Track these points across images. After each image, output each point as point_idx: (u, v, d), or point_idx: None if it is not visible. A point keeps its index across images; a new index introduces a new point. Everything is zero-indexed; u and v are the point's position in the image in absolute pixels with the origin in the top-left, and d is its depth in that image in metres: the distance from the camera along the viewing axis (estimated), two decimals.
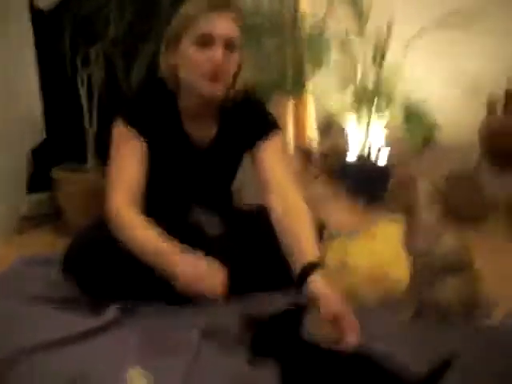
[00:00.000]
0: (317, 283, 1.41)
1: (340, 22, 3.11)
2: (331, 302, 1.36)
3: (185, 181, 1.83)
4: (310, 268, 1.44)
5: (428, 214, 1.79)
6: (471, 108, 3.11)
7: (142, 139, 1.70)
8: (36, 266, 2.06)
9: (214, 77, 1.63)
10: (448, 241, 1.79)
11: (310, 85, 3.13)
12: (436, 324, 1.76)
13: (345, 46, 3.10)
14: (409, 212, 1.80)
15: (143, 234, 1.58)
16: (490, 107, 3.02)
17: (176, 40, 1.67)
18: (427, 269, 1.79)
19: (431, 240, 1.78)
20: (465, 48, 3.22)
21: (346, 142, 3.43)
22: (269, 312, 1.24)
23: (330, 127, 3.55)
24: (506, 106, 2.98)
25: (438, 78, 3.13)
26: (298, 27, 3.04)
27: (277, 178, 1.72)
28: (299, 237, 1.57)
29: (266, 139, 1.78)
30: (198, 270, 1.45)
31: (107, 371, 1.37)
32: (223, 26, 1.62)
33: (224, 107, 1.78)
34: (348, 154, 3.37)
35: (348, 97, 3.24)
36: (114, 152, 1.73)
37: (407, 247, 1.83)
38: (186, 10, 1.66)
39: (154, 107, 1.74)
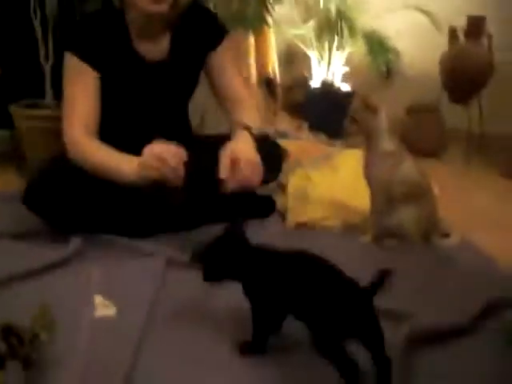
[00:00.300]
0: (242, 132, 1.70)
1: None
2: (237, 147, 1.63)
3: (142, 104, 1.84)
4: (243, 127, 1.72)
5: (388, 143, 1.80)
6: (434, 41, 3.11)
7: (92, 70, 1.73)
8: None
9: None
10: (406, 168, 1.82)
11: (272, 17, 3.07)
12: (395, 247, 1.82)
13: None
14: (369, 139, 1.81)
15: (101, 153, 1.66)
16: (452, 35, 3.02)
17: None
18: (386, 196, 1.83)
19: (390, 168, 1.81)
20: None
21: (309, 72, 3.43)
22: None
23: (292, 58, 3.53)
24: (466, 33, 2.98)
25: (401, 11, 3.10)
26: None
27: (229, 84, 1.90)
28: (242, 114, 1.83)
29: (218, 48, 1.89)
30: (158, 152, 1.53)
31: (71, 302, 1.39)
32: None
33: (173, 21, 1.80)
34: (312, 82, 3.37)
35: (310, 28, 3.20)
36: (66, 86, 1.77)
37: (367, 175, 1.85)
38: None
39: (101, 32, 1.75)
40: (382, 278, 1.10)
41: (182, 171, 1.53)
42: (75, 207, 1.72)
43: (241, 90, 1.93)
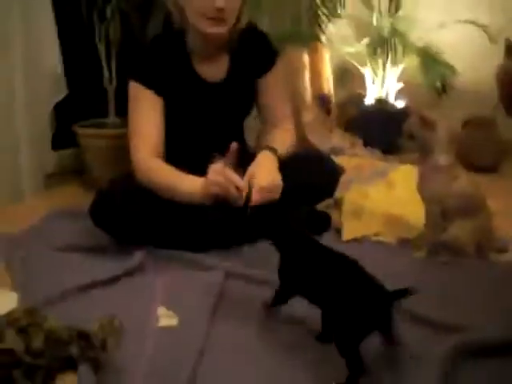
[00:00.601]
0: (262, 155, 1.80)
1: None
2: (258, 164, 1.75)
3: (202, 122, 1.94)
4: (269, 148, 1.83)
5: (444, 158, 1.82)
6: (488, 54, 3.09)
7: (157, 96, 1.84)
8: (65, 218, 2.17)
9: (217, 19, 1.75)
10: (461, 183, 1.83)
11: (326, 35, 3.12)
12: (449, 262, 1.82)
13: None
14: (425, 153, 1.83)
15: (166, 174, 1.77)
16: (508, 48, 3.00)
17: None
18: (441, 211, 1.84)
19: (446, 183, 1.82)
20: None
21: (363, 89, 3.46)
22: None
23: (346, 76, 3.57)
24: None
25: (454, 26, 3.11)
26: None
27: (271, 107, 2.02)
28: (273, 136, 1.94)
29: (271, 70, 1.99)
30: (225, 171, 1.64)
31: (136, 312, 1.46)
32: None
33: (232, 44, 1.90)
34: (366, 99, 3.40)
35: (364, 46, 3.24)
36: (132, 110, 1.88)
37: (422, 189, 1.87)
38: None
39: (163, 58, 1.86)
40: (406, 290, 1.17)
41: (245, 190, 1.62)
42: (139, 223, 1.80)
43: (281, 114, 2.03)
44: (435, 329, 1.37)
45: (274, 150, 1.83)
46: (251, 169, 1.74)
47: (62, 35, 2.55)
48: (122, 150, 2.51)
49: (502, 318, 1.46)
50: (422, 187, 1.86)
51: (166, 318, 1.43)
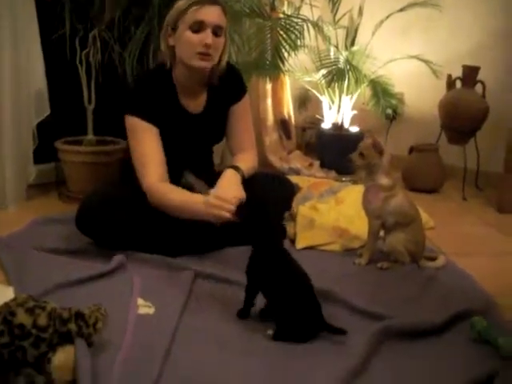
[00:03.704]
0: (227, 172, 2.09)
1: (314, 7, 3.41)
2: (222, 178, 2.06)
3: (182, 146, 2.19)
4: (233, 167, 2.11)
5: (385, 179, 2.12)
6: (433, 86, 3.45)
7: (153, 126, 2.07)
8: (48, 224, 2.41)
9: (205, 54, 2.03)
10: (398, 201, 2.13)
11: (287, 65, 3.41)
12: (386, 268, 2.13)
13: (319, 29, 3.39)
14: (370, 173, 2.13)
15: (175, 196, 2.00)
16: (450, 82, 3.35)
17: (173, 27, 2.05)
18: (381, 224, 2.14)
19: (385, 200, 2.12)
20: (425, 36, 3.59)
21: (321, 115, 3.77)
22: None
23: (305, 102, 3.88)
24: (463, 80, 3.31)
25: (403, 60, 3.46)
26: (276, 12, 3.35)
27: (238, 129, 2.28)
28: (238, 158, 2.23)
29: (240, 101, 2.26)
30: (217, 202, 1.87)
31: (118, 302, 1.71)
32: (213, 15, 2.02)
33: (213, 80, 2.16)
34: (323, 124, 3.72)
35: (322, 75, 3.55)
36: (133, 141, 2.09)
37: (365, 205, 2.16)
38: (181, 4, 2.04)
39: (155, 93, 2.09)
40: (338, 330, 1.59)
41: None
42: (119, 229, 2.06)
43: (247, 141, 2.30)
44: (367, 317, 1.67)
45: (237, 168, 2.12)
46: (217, 183, 2.03)
47: (46, 59, 2.80)
48: (97, 165, 2.80)
49: (422, 309, 1.78)
50: (366, 204, 2.16)
51: (145, 307, 1.69)
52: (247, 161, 2.23)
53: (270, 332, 1.58)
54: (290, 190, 2.42)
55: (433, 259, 2.20)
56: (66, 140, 2.90)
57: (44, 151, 2.95)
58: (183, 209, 1.98)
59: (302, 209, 2.54)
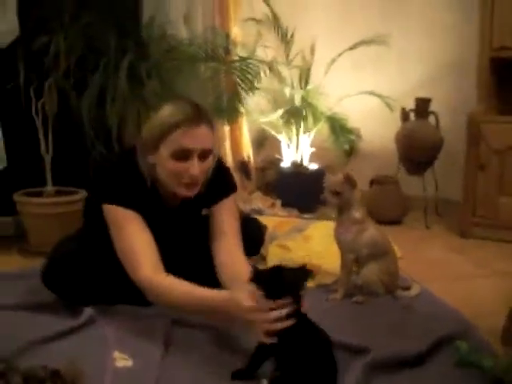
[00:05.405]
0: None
1: (268, 49, 3.48)
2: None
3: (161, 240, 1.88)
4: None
5: (357, 212, 2.13)
6: (389, 120, 3.52)
7: (135, 213, 1.82)
8: (10, 280, 2.30)
9: (190, 185, 1.80)
10: (370, 233, 2.13)
11: (245, 107, 3.44)
12: (362, 301, 2.11)
13: (273, 70, 3.45)
14: (343, 208, 2.12)
15: (182, 290, 1.69)
16: (404, 115, 3.43)
17: (154, 145, 1.78)
18: (354, 256, 2.13)
19: (358, 233, 2.12)
20: (376, 71, 3.69)
21: (280, 155, 3.80)
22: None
23: (264, 143, 3.91)
24: (416, 112, 3.39)
25: (357, 96, 3.54)
26: (230, 55, 3.39)
27: (222, 229, 1.94)
28: (239, 274, 1.76)
29: (225, 199, 1.99)
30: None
31: (94, 358, 1.62)
32: (199, 139, 1.75)
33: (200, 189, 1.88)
34: (283, 163, 3.74)
35: (279, 115, 3.60)
36: (119, 234, 1.83)
37: (338, 239, 2.16)
38: (162, 119, 1.77)
39: (130, 179, 1.86)
40: None
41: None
42: (89, 285, 1.96)
43: (235, 247, 1.93)
44: (352, 351, 1.64)
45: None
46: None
47: (1, 110, 2.74)
48: (57, 216, 2.71)
49: (405, 339, 1.76)
50: (339, 237, 2.15)
51: (122, 360, 1.61)
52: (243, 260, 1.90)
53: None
54: (260, 231, 2.38)
55: (407, 289, 2.20)
56: (24, 192, 2.82)
57: (1, 204, 2.85)
58: (196, 305, 1.67)
59: (272, 248, 2.52)
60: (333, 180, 2.10)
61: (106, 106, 2.75)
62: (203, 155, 1.78)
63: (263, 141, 3.93)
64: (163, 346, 1.71)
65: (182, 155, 1.75)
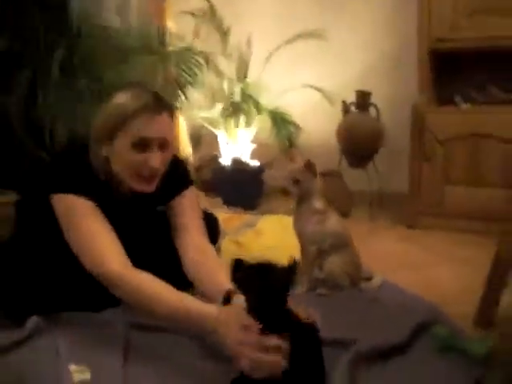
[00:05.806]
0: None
1: (205, 42, 3.36)
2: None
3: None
4: (230, 293, 1.56)
5: (318, 201, 2.03)
6: (330, 113, 3.48)
7: (89, 200, 1.64)
8: None
9: (149, 178, 1.66)
10: (333, 222, 2.05)
11: (182, 101, 3.30)
12: (327, 294, 2.03)
13: (211, 64, 3.33)
14: (303, 198, 2.02)
15: (159, 296, 1.50)
16: (345, 108, 3.40)
17: (109, 136, 1.63)
18: (317, 247, 2.04)
19: (320, 222, 2.02)
20: (316, 65, 3.64)
21: (218, 151, 3.68)
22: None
23: (201, 139, 3.78)
24: (357, 105, 3.37)
25: (299, 89, 3.47)
26: (167, 47, 3.23)
27: (185, 224, 1.82)
28: (213, 272, 1.69)
29: (183, 194, 1.86)
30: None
31: (46, 373, 1.44)
32: (160, 128, 1.62)
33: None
34: (222, 160, 3.62)
35: (217, 110, 3.48)
36: (73, 226, 1.63)
37: (299, 230, 2.06)
38: (119, 107, 1.62)
39: (82, 168, 1.69)
40: None
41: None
42: (27, 294, 1.73)
43: (199, 237, 1.84)
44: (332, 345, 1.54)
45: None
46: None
47: None
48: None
49: (381, 330, 1.69)
50: (300, 229, 2.05)
51: (79, 374, 1.44)
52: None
53: None
54: (217, 222, 2.22)
55: (369, 279, 2.13)
56: None
57: None
58: (173, 313, 1.47)
59: (224, 245, 2.39)
60: (293, 168, 2.00)
61: (37, 101, 2.55)
62: (163, 145, 1.65)
63: (199, 138, 3.81)
64: (123, 353, 1.54)
65: (142, 145, 1.61)
